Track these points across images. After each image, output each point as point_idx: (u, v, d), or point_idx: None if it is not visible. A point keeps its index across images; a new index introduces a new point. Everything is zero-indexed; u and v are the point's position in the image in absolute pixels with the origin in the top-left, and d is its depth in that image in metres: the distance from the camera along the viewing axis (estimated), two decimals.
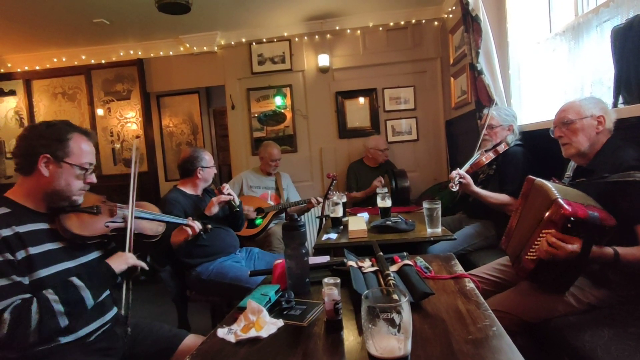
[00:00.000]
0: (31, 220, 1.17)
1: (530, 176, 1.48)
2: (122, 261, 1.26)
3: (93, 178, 1.28)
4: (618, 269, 1.24)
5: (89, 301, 1.15)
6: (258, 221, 3.03)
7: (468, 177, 2.07)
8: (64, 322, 1.08)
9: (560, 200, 1.22)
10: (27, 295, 1.05)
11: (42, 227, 1.19)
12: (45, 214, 1.22)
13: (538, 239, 1.29)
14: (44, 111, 4.39)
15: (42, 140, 1.18)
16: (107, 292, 1.31)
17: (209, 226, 1.89)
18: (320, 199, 2.94)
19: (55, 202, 1.22)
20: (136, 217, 1.40)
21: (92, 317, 1.23)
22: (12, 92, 4.37)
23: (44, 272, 1.12)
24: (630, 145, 1.38)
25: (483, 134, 2.28)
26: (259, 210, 3.07)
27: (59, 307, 1.07)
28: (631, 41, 1.51)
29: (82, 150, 1.24)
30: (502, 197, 2.08)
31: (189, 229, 1.75)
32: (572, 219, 1.17)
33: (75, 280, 1.14)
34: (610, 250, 1.20)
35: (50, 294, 1.07)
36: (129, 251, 1.31)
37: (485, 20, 2.51)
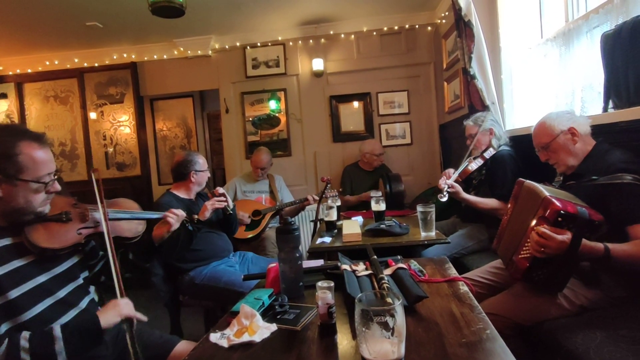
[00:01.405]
0: None
1: (521, 178, 1.50)
2: (115, 313, 1.13)
3: (56, 186, 1.15)
4: (609, 266, 1.25)
5: (61, 357, 1.00)
6: (250, 228, 3.02)
7: (456, 185, 2.10)
8: None
9: (550, 197, 1.26)
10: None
11: (6, 243, 1.08)
12: (8, 227, 1.10)
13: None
14: (36, 114, 4.35)
15: None
16: (92, 297, 1.26)
17: (195, 216, 1.87)
18: (317, 197, 2.95)
19: (17, 218, 1.10)
20: (111, 219, 1.30)
21: None
22: (3, 95, 4.32)
23: (14, 293, 1.03)
24: (617, 148, 1.41)
25: (469, 144, 2.32)
26: (256, 213, 3.06)
27: (25, 356, 0.95)
28: (620, 47, 1.54)
29: (35, 162, 1.08)
30: (491, 203, 2.10)
31: (170, 219, 1.70)
32: (562, 212, 1.21)
33: (56, 331, 1.02)
34: (601, 246, 1.21)
35: (23, 340, 0.96)
36: (122, 296, 1.18)
37: (477, 25, 2.54)
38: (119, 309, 1.14)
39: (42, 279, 1.12)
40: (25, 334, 0.98)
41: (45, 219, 1.15)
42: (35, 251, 1.11)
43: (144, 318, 1.19)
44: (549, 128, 1.53)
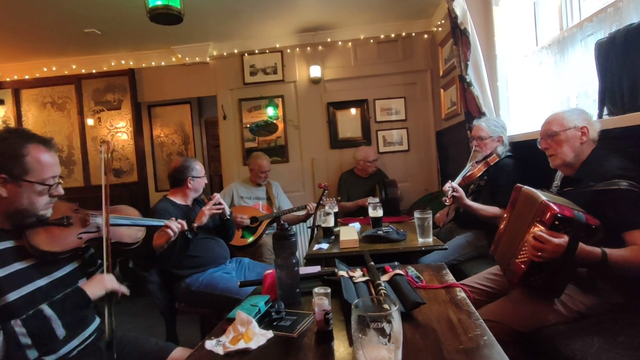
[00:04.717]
0: None
1: (518, 184, 1.50)
2: (100, 287, 1.16)
3: (60, 190, 1.18)
4: (606, 271, 1.25)
5: (59, 331, 1.06)
6: (247, 235, 3.00)
7: (461, 190, 2.07)
8: (33, 354, 1.00)
9: (547, 201, 1.27)
10: None
11: (8, 246, 1.09)
12: (11, 230, 1.12)
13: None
14: (33, 120, 4.34)
15: None
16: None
17: (195, 224, 1.87)
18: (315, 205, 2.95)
19: (20, 220, 1.12)
20: (112, 225, 1.30)
21: (73, 333, 1.18)
22: (0, 102, 4.32)
23: (13, 296, 1.04)
24: (614, 155, 1.41)
25: (473, 146, 2.30)
26: (253, 220, 3.05)
27: (26, 340, 0.98)
28: (614, 55, 1.56)
29: (42, 164, 1.11)
30: (493, 210, 2.08)
31: (169, 231, 1.70)
32: (559, 216, 1.21)
33: (46, 310, 1.05)
34: (599, 250, 1.21)
35: (18, 326, 0.99)
36: (107, 271, 1.20)
37: (473, 33, 2.56)
38: (104, 283, 1.17)
39: (41, 282, 1.13)
40: (17, 321, 1.00)
41: (47, 223, 1.17)
42: (35, 254, 1.12)
43: (126, 291, 1.23)
44: (565, 119, 1.51)
